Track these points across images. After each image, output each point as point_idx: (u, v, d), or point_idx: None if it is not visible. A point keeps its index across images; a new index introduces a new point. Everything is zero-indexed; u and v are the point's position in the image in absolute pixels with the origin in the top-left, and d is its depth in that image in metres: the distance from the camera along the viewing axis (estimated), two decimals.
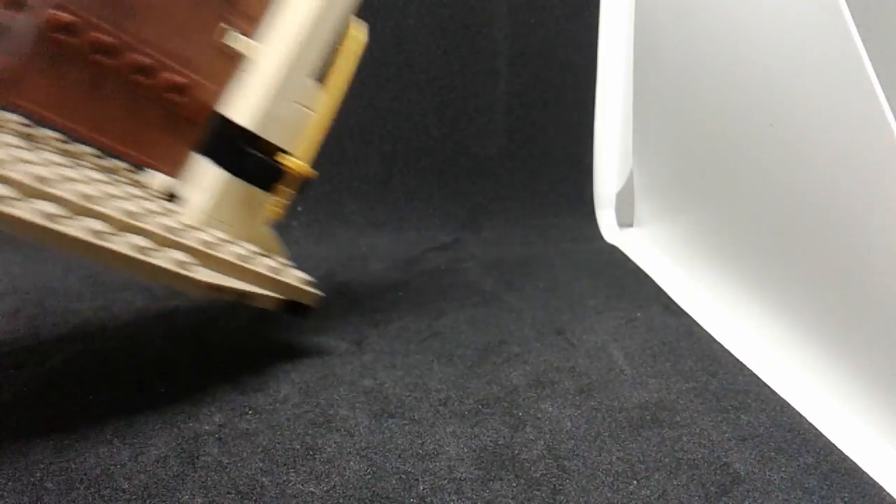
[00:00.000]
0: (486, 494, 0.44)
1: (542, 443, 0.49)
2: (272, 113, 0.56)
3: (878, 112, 0.46)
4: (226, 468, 0.46)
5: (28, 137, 0.57)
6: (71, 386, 0.55)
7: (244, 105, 0.57)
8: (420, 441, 0.49)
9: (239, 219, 0.57)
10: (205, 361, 0.59)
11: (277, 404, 0.53)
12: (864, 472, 0.47)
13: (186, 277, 0.50)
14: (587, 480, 0.46)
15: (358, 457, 0.48)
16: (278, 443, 0.49)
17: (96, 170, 0.58)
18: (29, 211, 0.43)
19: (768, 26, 0.59)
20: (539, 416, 0.53)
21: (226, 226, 0.57)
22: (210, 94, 0.57)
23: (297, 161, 0.57)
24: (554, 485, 0.45)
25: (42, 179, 0.46)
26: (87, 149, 0.60)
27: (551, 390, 0.56)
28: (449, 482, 0.45)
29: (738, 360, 0.61)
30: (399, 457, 0.48)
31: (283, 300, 0.57)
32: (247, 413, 0.52)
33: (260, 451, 0.48)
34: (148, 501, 0.43)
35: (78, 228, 0.45)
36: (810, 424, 0.52)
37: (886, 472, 0.46)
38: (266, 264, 0.56)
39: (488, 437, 0.50)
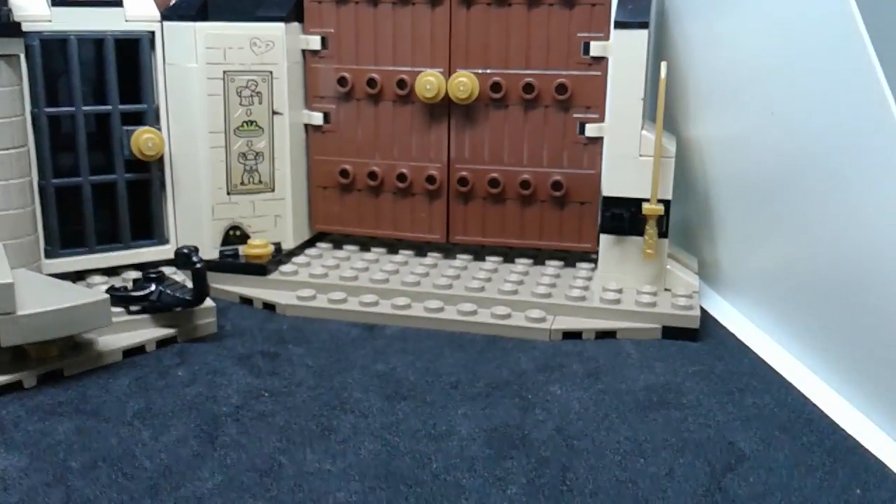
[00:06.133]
0: (497, 472, 0.45)
1: (551, 424, 0.51)
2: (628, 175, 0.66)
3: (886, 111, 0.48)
4: (244, 447, 0.47)
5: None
6: (90, 370, 0.57)
7: (612, 179, 0.67)
8: (433, 422, 0.51)
9: (626, 266, 0.68)
10: (220, 346, 0.61)
11: (293, 387, 0.55)
12: (866, 449, 0.48)
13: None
14: (596, 459, 0.47)
15: (372, 437, 0.49)
16: (294, 423, 0.50)
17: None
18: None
19: (776, 27, 0.60)
20: (548, 398, 0.54)
21: (618, 275, 0.68)
22: (592, 179, 0.70)
23: (650, 206, 0.65)
24: (563, 463, 0.46)
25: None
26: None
27: (560, 374, 0.57)
28: (461, 461, 0.47)
29: (743, 343, 0.63)
30: (412, 437, 0.49)
31: (662, 328, 0.63)
32: (263, 395, 0.54)
33: (277, 432, 0.49)
34: (169, 479, 0.44)
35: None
36: (814, 405, 0.53)
37: (889, 450, 0.47)
38: (643, 300, 0.64)
39: (499, 418, 0.51)
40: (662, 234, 0.66)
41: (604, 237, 0.68)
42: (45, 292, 0.55)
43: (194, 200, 0.71)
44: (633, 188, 0.66)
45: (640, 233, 0.66)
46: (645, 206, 0.65)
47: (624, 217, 0.67)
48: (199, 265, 0.60)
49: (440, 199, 0.74)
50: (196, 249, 0.62)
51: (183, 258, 0.62)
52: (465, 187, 0.73)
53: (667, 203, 0.65)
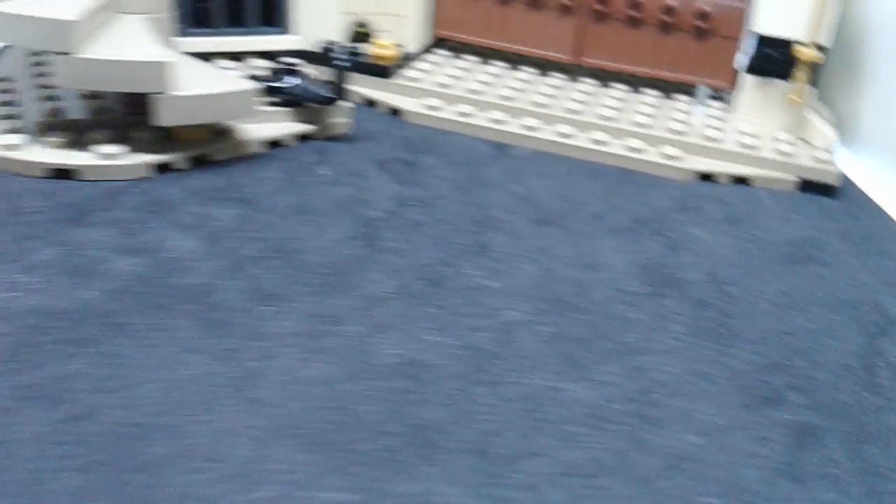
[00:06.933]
0: (658, 310, 0.46)
1: (700, 267, 0.51)
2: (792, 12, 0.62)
3: None
4: (406, 254, 0.48)
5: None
6: (234, 158, 0.56)
7: (768, 15, 0.63)
8: (582, 251, 0.51)
9: (766, 111, 0.66)
10: (354, 148, 0.60)
11: (437, 200, 0.54)
12: None
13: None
14: (751, 307, 0.47)
15: (527, 259, 0.49)
16: (449, 237, 0.50)
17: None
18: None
19: None
20: (691, 240, 0.54)
21: (756, 120, 0.66)
22: (738, 13, 0.66)
23: (808, 51, 0.61)
24: (721, 308, 0.47)
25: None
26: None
27: (699, 216, 0.57)
28: (619, 293, 0.47)
29: (877, 204, 0.62)
30: (566, 264, 0.49)
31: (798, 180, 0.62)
32: (412, 204, 0.53)
33: (433, 243, 0.49)
34: (343, 277, 0.45)
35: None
36: None
37: None
38: (780, 149, 0.63)
39: (646, 255, 0.51)
40: (811, 82, 0.64)
41: (749, 78, 0.65)
42: (198, 76, 0.54)
43: None
44: (790, 28, 0.63)
45: (787, 77, 0.64)
46: (802, 49, 0.62)
47: (776, 59, 0.64)
48: (344, 63, 0.58)
49: (573, 16, 0.71)
50: (340, 46, 0.60)
51: (325, 54, 0.60)
52: (603, 6, 0.69)
53: (825, 50, 0.62)
